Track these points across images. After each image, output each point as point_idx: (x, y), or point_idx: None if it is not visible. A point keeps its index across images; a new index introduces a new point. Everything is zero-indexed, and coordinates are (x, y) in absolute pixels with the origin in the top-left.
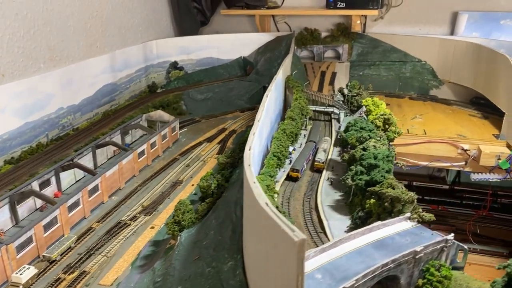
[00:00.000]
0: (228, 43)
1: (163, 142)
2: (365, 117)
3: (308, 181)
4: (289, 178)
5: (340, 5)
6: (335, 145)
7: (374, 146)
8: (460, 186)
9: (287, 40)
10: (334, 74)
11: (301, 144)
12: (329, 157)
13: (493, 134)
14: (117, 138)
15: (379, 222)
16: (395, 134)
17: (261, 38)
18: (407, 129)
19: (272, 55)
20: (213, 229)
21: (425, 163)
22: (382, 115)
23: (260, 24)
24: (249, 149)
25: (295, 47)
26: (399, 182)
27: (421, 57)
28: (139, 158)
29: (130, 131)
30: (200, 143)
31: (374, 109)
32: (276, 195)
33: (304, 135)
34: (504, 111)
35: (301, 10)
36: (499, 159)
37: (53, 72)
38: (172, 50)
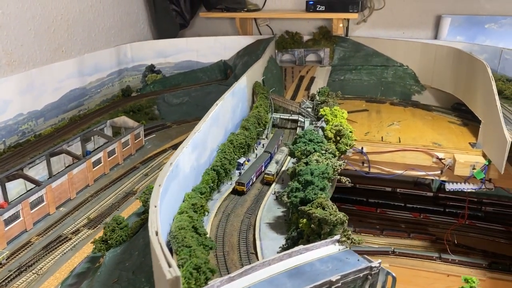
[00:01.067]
0: (208, 46)
1: (124, 149)
2: (324, 126)
3: (255, 195)
4: (235, 192)
5: (319, 8)
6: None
7: (317, 161)
8: (444, 193)
9: (265, 44)
10: (312, 79)
11: (256, 155)
12: (283, 168)
13: (470, 143)
14: (77, 145)
15: (301, 246)
16: (347, 146)
17: (242, 41)
18: (382, 137)
19: (250, 59)
20: (138, 249)
21: (400, 172)
22: (335, 126)
23: (241, 27)
24: (170, 165)
25: (276, 51)
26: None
27: (403, 62)
28: (94, 167)
29: (92, 138)
30: (165, 150)
31: (332, 119)
32: (206, 213)
33: (263, 144)
34: (480, 119)
35: (282, 13)
36: (474, 168)
37: (11, 78)
38: (148, 53)
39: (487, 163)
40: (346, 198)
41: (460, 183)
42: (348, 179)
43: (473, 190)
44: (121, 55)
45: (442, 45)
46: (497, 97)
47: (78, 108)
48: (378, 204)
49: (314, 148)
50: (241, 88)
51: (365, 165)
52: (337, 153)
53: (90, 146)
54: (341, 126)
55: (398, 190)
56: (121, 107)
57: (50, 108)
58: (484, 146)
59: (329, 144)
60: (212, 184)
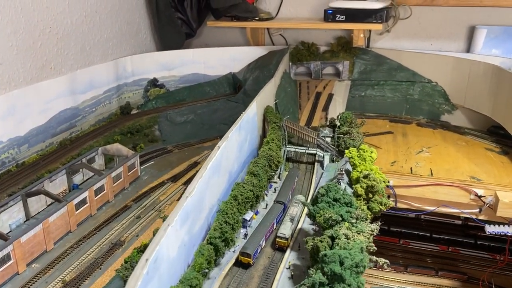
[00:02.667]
0: (216, 58)
1: (115, 184)
2: (350, 170)
3: (264, 267)
4: (239, 263)
5: (339, 18)
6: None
7: (346, 236)
8: (475, 222)
9: (279, 57)
10: (330, 96)
11: (266, 205)
12: (299, 226)
13: None
14: (61, 180)
15: None
16: (381, 206)
17: (253, 52)
18: (410, 168)
19: (261, 74)
20: None
21: (431, 208)
22: (365, 177)
23: (252, 37)
24: (145, 262)
25: (290, 63)
26: None
27: (432, 78)
28: (78, 209)
29: (81, 169)
30: (162, 183)
31: (359, 163)
32: None
33: (275, 189)
34: None
35: (297, 22)
36: None
37: None
38: (150, 66)
39: None
40: None
41: (504, 225)
42: (387, 261)
43: None
44: (120, 69)
45: (477, 60)
46: None
47: (69, 131)
48: (401, 233)
49: (341, 216)
50: (250, 117)
51: (391, 199)
52: (369, 215)
53: (78, 178)
54: (374, 179)
55: (422, 216)
56: (118, 128)
57: (36, 132)
58: None
59: (359, 203)
60: (207, 269)
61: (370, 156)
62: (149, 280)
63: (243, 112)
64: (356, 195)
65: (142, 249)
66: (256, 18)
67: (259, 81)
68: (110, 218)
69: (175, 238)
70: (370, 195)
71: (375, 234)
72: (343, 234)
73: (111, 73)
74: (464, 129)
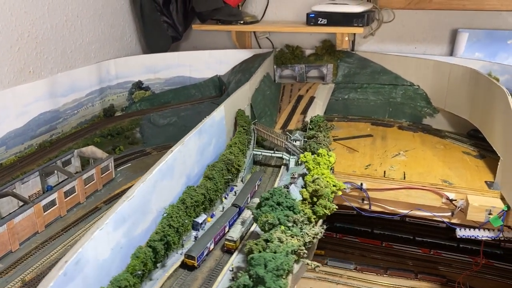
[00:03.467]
0: (202, 61)
1: (87, 186)
2: (307, 174)
3: (209, 269)
4: (185, 265)
5: (321, 21)
6: None
7: (280, 240)
8: (457, 225)
9: (261, 60)
10: (312, 99)
11: (223, 208)
12: (252, 229)
13: (486, 181)
14: (34, 181)
15: None
16: (325, 210)
17: (239, 56)
18: (384, 171)
19: (243, 77)
20: None
21: (405, 211)
22: (313, 181)
23: (238, 40)
24: (64, 264)
25: (275, 67)
26: None
27: (414, 81)
28: (46, 210)
29: (55, 171)
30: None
31: (313, 167)
32: None
33: (236, 192)
34: (499, 155)
35: (281, 26)
36: (490, 214)
37: None
38: (135, 69)
39: (505, 209)
40: (349, 229)
41: (474, 229)
42: (319, 265)
43: (489, 239)
44: (103, 72)
45: (457, 64)
46: None
47: (49, 133)
48: (384, 236)
49: (279, 219)
50: (216, 121)
51: (365, 202)
52: (313, 218)
53: (53, 180)
54: (318, 185)
55: (407, 219)
56: (99, 130)
57: (14, 135)
58: (503, 188)
59: (305, 206)
60: (142, 270)
61: (328, 160)
62: (69, 280)
63: (206, 116)
64: (303, 198)
65: None
66: (241, 22)
67: (241, 84)
68: (79, 219)
69: (107, 240)
70: (315, 199)
71: (319, 237)
72: (277, 237)
73: (93, 76)
74: (444, 133)
